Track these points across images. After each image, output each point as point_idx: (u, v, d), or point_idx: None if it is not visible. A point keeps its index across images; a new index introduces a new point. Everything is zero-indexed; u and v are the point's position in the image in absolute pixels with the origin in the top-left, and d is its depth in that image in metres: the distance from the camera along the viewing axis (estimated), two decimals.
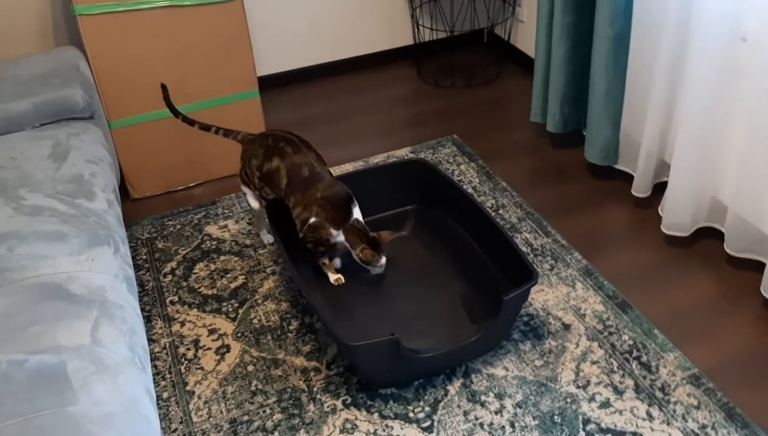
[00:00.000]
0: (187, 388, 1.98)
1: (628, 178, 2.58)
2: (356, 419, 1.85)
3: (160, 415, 1.90)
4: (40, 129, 2.25)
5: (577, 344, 2.02)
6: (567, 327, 2.08)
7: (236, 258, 2.42)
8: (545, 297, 2.18)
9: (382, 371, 1.87)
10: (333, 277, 2.21)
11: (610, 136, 2.55)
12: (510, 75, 3.47)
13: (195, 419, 1.89)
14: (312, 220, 2.08)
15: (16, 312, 1.53)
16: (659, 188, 2.46)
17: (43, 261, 1.68)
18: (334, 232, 2.08)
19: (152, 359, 2.06)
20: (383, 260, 2.11)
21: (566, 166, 2.77)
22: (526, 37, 3.42)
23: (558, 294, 2.19)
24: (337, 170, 2.80)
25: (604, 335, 2.04)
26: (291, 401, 1.92)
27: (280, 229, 2.16)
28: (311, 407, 1.90)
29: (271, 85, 3.32)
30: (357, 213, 2.10)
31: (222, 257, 2.43)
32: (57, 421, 1.29)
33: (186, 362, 2.05)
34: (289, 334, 2.12)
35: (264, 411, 1.89)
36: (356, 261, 2.11)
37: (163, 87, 2.32)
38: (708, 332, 2.04)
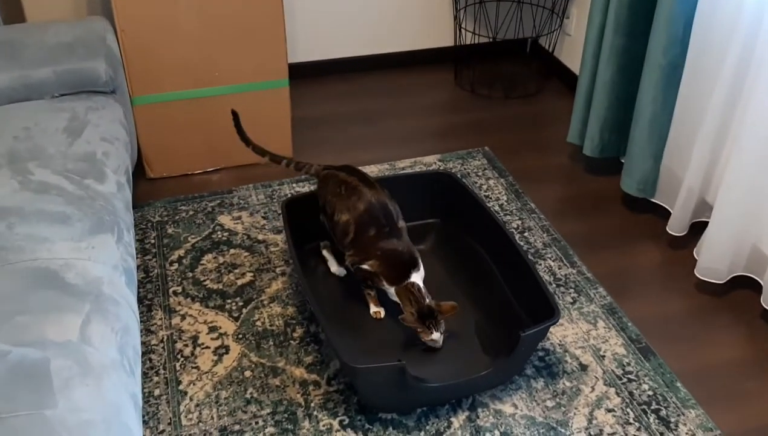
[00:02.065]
0: (180, 387, 1.89)
1: (664, 214, 2.45)
2: None
3: (149, 413, 1.82)
4: (59, 100, 2.16)
5: (593, 388, 1.91)
6: (584, 368, 1.96)
7: (246, 253, 2.33)
8: (564, 333, 2.06)
9: (384, 396, 1.77)
10: (373, 308, 2.06)
11: (650, 168, 2.42)
12: (551, 91, 3.34)
13: (184, 422, 1.80)
14: (365, 266, 1.97)
15: (6, 298, 1.44)
16: (696, 228, 2.33)
17: (41, 244, 1.59)
18: (386, 285, 1.97)
19: (148, 352, 1.98)
20: (435, 335, 1.88)
21: (600, 194, 2.64)
22: (572, 52, 3.28)
23: (578, 331, 2.07)
24: None
25: (623, 381, 1.93)
26: (286, 415, 1.82)
27: (294, 230, 2.07)
28: (306, 423, 1.80)
29: (302, 74, 3.21)
30: (417, 277, 1.93)
31: (232, 251, 2.34)
32: (31, 425, 1.20)
33: (182, 359, 1.97)
34: (292, 341, 2.02)
35: (256, 422, 1.80)
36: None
37: (234, 114, 2.20)
38: (735, 393, 1.91)
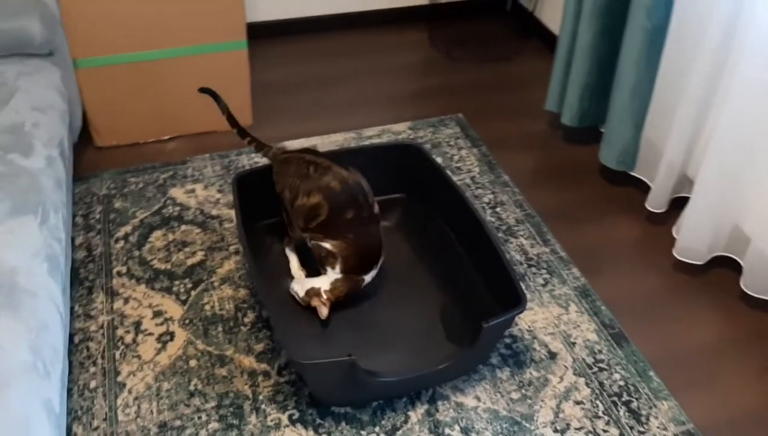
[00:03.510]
0: (119, 379, 1.75)
1: (643, 188, 2.31)
2: None
3: (83, 408, 1.68)
4: None
5: (562, 378, 1.79)
6: (553, 356, 1.84)
7: (198, 230, 2.17)
8: (533, 317, 1.94)
9: (336, 390, 1.65)
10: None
11: (630, 139, 2.27)
12: (531, 53, 3.17)
13: (121, 417, 1.67)
14: (325, 244, 1.82)
15: None
16: (675, 204, 2.20)
17: None
18: (338, 269, 1.83)
19: (85, 339, 1.83)
20: (302, 295, 1.84)
21: (577, 166, 2.50)
22: (554, 12, 3.10)
23: (548, 315, 1.95)
24: (326, 141, 2.55)
25: (593, 370, 1.81)
26: (232, 409, 1.69)
27: (248, 206, 1.91)
28: (253, 418, 1.67)
29: (262, 34, 3.02)
30: (370, 276, 1.87)
31: (183, 227, 2.18)
32: None
33: (123, 347, 1.83)
34: (242, 327, 1.89)
35: (199, 417, 1.67)
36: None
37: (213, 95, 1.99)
38: (710, 381, 1.80)
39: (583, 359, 1.83)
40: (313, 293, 1.83)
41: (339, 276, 1.84)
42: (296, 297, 1.86)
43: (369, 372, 1.56)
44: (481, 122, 2.69)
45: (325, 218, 1.82)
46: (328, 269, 1.85)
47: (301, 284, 1.86)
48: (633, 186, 2.37)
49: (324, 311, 1.81)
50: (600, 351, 1.85)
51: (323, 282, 1.83)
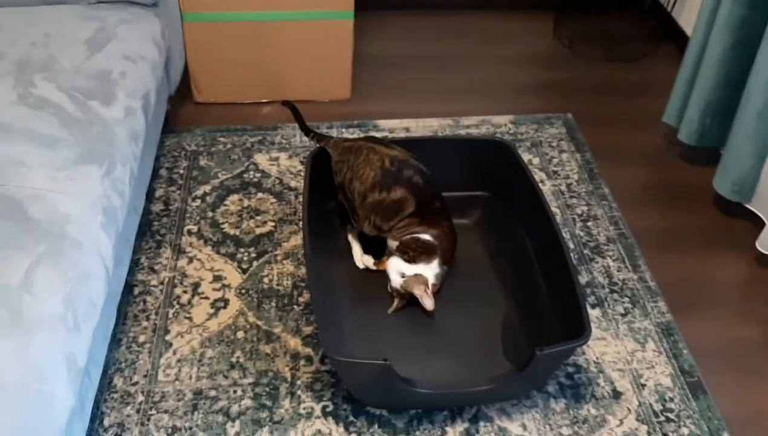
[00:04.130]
0: (167, 338, 1.75)
1: (758, 224, 2.06)
2: (330, 434, 1.57)
3: (127, 360, 1.69)
4: (94, 7, 2.01)
5: (622, 422, 1.63)
6: (617, 395, 1.68)
7: (274, 200, 2.14)
8: (604, 349, 1.78)
9: (369, 392, 1.57)
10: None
11: (750, 168, 2.03)
12: (661, 57, 2.91)
13: (161, 377, 1.67)
14: (426, 236, 1.78)
15: None
16: None
17: (16, 168, 1.45)
18: (436, 262, 1.78)
19: (145, 293, 1.85)
20: (409, 274, 1.75)
21: (688, 189, 2.27)
22: (693, 15, 2.82)
23: (621, 349, 1.78)
24: (419, 125, 2.45)
25: (660, 419, 1.63)
26: (268, 389, 1.65)
27: (321, 184, 1.86)
28: (286, 402, 1.63)
29: (372, 6, 2.89)
30: None
31: (259, 195, 2.15)
32: None
33: (177, 306, 1.83)
34: (295, 306, 1.84)
35: (234, 391, 1.65)
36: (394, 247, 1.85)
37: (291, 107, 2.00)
38: None
39: (651, 405, 1.66)
40: (421, 280, 1.74)
41: (439, 270, 1.78)
42: (393, 278, 1.76)
43: (404, 380, 1.47)
44: (590, 126, 2.50)
45: (413, 211, 1.77)
46: (421, 264, 1.77)
47: (406, 268, 1.76)
48: (748, 220, 2.12)
49: (431, 303, 1.72)
50: (671, 399, 1.67)
51: (429, 273, 1.76)
